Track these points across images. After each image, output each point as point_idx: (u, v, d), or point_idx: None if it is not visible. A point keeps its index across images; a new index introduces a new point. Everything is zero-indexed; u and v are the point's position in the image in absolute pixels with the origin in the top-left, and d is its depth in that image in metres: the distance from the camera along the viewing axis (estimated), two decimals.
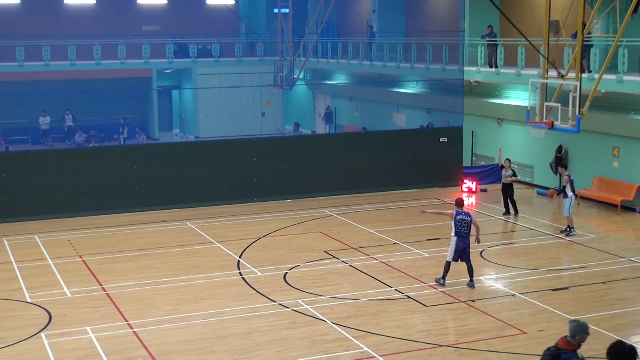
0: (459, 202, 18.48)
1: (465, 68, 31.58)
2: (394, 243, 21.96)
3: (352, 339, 15.11)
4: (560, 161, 27.97)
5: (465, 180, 29.07)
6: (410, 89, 38.42)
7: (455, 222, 17.89)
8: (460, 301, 17.21)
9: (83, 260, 20.69)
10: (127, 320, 16.26)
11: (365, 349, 14.62)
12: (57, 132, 41.44)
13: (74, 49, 41.07)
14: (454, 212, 18.11)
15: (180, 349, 14.77)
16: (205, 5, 47.61)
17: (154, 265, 20.29)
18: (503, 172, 25.46)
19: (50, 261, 20.66)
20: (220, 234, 23.28)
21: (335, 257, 20.77)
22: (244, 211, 26.14)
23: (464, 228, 17.82)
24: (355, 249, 21.52)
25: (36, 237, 23.16)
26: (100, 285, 18.64)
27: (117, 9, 44.90)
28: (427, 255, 20.80)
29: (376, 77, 39.78)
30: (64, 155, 27.69)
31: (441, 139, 29.82)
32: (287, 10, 40.38)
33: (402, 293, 17.77)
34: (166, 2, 46.54)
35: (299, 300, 17.29)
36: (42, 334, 15.55)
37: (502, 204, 25.52)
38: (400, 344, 14.90)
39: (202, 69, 44.63)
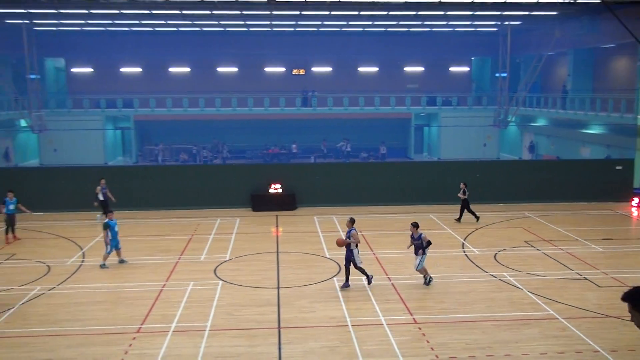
0: (353, 220, 15.21)
1: (638, 116, 28.58)
2: (576, 239, 20.27)
3: (542, 304, 14.16)
4: None
5: (634, 198, 26.18)
6: (593, 130, 35.57)
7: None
8: (626, 285, 15.50)
9: (361, 234, 21.17)
10: (387, 275, 16.45)
11: (551, 312, 13.64)
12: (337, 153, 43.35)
13: (363, 99, 42.61)
14: (353, 230, 14.98)
15: (420, 297, 14.72)
16: (449, 71, 47.45)
17: (406, 241, 20.26)
18: (460, 194, 22.71)
19: (341, 233, 21.38)
20: (450, 223, 22.84)
21: (532, 245, 19.58)
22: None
23: None
24: (547, 241, 20.14)
25: (333, 217, 24.12)
26: (372, 251, 19.02)
27: (392, 74, 46.31)
28: (601, 250, 18.96)
29: (568, 121, 37.27)
30: (344, 167, 28.63)
31: (617, 167, 27.17)
32: (505, 75, 39.46)
33: (581, 275, 16.36)
34: (423, 68, 46.93)
35: (504, 273, 16.51)
36: (334, 279, 16.15)
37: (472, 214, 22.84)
38: (578, 311, 13.72)
39: (444, 114, 44.78)
